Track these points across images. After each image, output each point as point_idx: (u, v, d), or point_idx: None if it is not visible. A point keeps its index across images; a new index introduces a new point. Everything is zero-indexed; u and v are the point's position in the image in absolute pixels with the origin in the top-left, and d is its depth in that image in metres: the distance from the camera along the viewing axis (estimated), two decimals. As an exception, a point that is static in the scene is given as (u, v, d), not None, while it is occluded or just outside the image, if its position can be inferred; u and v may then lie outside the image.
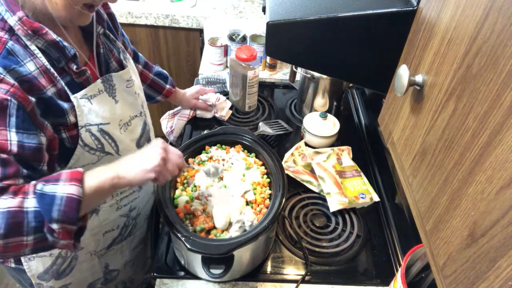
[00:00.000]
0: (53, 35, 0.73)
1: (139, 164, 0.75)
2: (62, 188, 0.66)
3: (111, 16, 0.98)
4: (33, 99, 0.71)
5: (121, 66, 0.93)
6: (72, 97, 0.78)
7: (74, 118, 0.79)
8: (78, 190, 0.67)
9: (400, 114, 0.67)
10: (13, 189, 0.66)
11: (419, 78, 0.58)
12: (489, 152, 0.41)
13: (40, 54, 0.73)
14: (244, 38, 1.58)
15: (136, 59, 1.18)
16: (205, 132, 1.15)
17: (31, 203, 0.65)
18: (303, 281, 0.97)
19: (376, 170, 1.26)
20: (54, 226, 0.66)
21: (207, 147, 1.07)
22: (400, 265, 0.96)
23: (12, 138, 0.67)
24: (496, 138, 0.40)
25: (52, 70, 0.75)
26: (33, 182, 0.69)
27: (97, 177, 0.71)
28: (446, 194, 0.49)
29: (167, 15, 1.81)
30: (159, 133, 1.50)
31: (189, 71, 2.04)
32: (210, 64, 1.63)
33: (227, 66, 1.63)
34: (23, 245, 0.65)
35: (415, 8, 0.65)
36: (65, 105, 0.77)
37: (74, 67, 0.78)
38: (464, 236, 0.44)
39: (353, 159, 1.27)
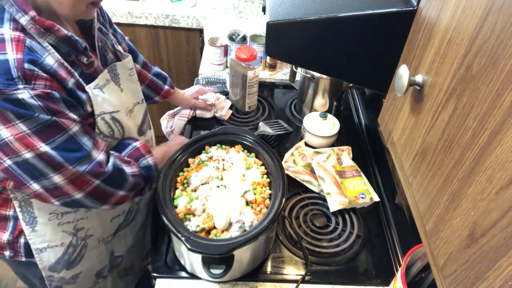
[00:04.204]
0: (64, 31, 0.76)
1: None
2: (150, 158, 0.96)
3: (100, 9, 1.00)
4: (62, 87, 0.77)
5: (117, 57, 0.97)
6: (86, 87, 0.82)
7: (91, 108, 0.84)
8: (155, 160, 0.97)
9: (400, 114, 0.67)
10: (120, 157, 0.89)
11: (419, 78, 0.58)
12: (489, 152, 0.41)
13: (52, 50, 0.76)
14: (244, 38, 1.58)
15: (134, 58, 1.19)
16: (205, 132, 1.15)
17: (141, 171, 0.93)
18: (303, 281, 0.97)
19: (376, 170, 1.26)
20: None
21: (207, 147, 1.07)
22: (400, 265, 0.96)
23: (74, 116, 0.77)
24: (496, 138, 0.40)
25: (65, 63, 0.78)
26: (137, 155, 0.94)
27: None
28: (446, 194, 0.49)
29: (167, 15, 1.81)
30: (159, 133, 1.50)
31: (189, 71, 2.04)
32: (210, 64, 1.63)
33: (227, 66, 1.63)
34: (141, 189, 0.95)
35: (415, 8, 0.65)
36: (83, 95, 0.81)
37: (85, 59, 0.82)
38: (464, 236, 0.44)
39: (353, 159, 1.27)
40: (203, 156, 1.05)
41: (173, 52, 1.97)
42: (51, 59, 0.75)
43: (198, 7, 1.88)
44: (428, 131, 0.56)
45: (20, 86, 0.69)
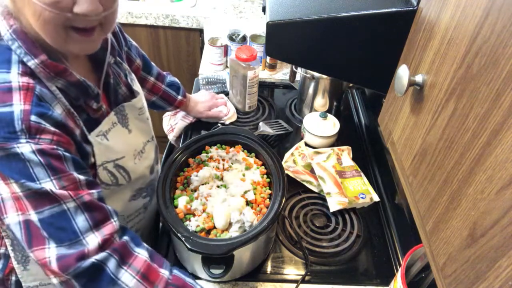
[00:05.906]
0: (76, 76, 0.70)
1: None
2: None
3: (116, 34, 0.91)
4: (72, 141, 0.69)
5: (130, 90, 0.90)
6: (89, 137, 0.75)
7: (93, 158, 0.76)
8: None
9: (400, 114, 0.67)
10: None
11: (419, 78, 0.58)
12: (489, 152, 0.41)
13: (60, 95, 0.70)
14: (244, 38, 1.58)
15: (148, 70, 1.14)
16: (205, 132, 1.15)
17: None
18: (303, 281, 0.97)
19: (376, 170, 1.26)
20: None
21: (207, 147, 1.07)
22: (400, 265, 0.96)
23: (81, 178, 0.67)
24: (496, 138, 0.40)
25: (72, 110, 0.72)
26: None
27: None
28: (446, 194, 0.49)
29: (167, 15, 1.81)
30: (161, 133, 1.50)
31: (189, 71, 2.04)
32: (210, 64, 1.63)
33: (227, 66, 1.63)
34: None
35: (415, 8, 0.65)
36: (88, 147, 0.75)
37: (94, 104, 0.76)
38: (464, 236, 0.44)
39: (353, 159, 1.27)
40: (203, 156, 1.05)
41: (173, 52, 1.97)
42: (59, 107, 0.68)
43: (198, 7, 1.88)
44: (428, 131, 0.56)
45: (22, 140, 0.61)
